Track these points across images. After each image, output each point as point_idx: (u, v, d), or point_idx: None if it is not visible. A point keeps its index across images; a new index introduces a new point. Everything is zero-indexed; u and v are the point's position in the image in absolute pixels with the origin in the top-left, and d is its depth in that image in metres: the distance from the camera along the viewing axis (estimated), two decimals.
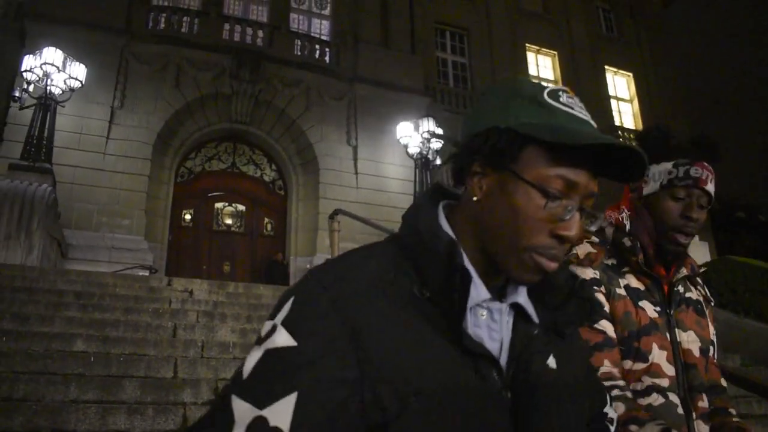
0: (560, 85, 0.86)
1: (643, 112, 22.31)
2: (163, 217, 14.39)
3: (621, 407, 1.32)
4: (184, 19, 15.09)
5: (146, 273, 11.87)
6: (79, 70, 11.70)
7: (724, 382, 1.62)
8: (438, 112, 16.01)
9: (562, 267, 0.89)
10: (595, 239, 1.61)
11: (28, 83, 11.47)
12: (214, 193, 15.49)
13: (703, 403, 1.48)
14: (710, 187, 1.52)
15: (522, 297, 0.89)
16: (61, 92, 11.47)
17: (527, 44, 21.03)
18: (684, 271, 1.59)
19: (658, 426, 1.23)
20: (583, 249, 1.56)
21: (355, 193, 15.04)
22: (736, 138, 25.31)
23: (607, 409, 1.04)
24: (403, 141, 14.49)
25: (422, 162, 14.22)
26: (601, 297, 1.49)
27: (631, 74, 22.90)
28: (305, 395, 0.70)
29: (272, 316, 0.79)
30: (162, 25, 14.81)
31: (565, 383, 0.88)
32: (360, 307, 0.76)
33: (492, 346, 0.83)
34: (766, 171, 26.63)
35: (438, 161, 14.15)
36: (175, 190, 14.90)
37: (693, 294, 1.63)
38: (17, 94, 12.30)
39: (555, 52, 21.42)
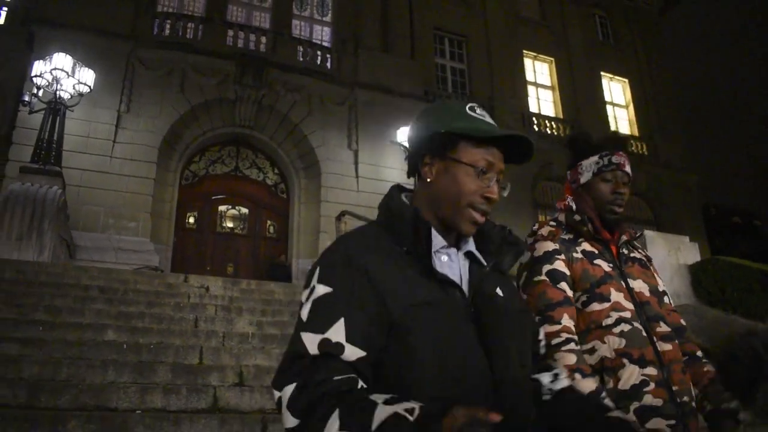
0: (476, 103, 1.33)
1: (638, 118, 22.67)
2: (168, 219, 14.67)
3: (573, 358, 1.71)
4: (189, 25, 15.41)
5: None
6: (87, 76, 11.97)
7: (683, 322, 2.04)
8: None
9: (496, 225, 1.36)
10: (552, 223, 2.04)
11: (38, 88, 11.71)
12: (218, 196, 15.77)
13: (661, 328, 1.86)
14: (628, 169, 1.99)
15: (472, 247, 1.32)
16: (70, 97, 11.74)
17: (524, 50, 21.39)
18: (624, 237, 2.02)
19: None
20: (545, 229, 2.00)
21: (356, 197, 15.35)
22: (732, 144, 25.72)
23: (540, 337, 1.46)
24: (403, 145, 14.81)
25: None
26: (562, 264, 1.89)
27: (626, 80, 23.27)
28: (348, 318, 1.10)
29: (307, 284, 1.20)
30: (167, 32, 15.13)
31: (509, 305, 1.30)
32: (365, 259, 1.16)
33: (454, 278, 1.23)
34: (762, 177, 27.00)
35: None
36: (179, 193, 15.18)
37: (637, 254, 2.07)
38: (27, 98, 12.52)
39: (552, 59, 21.78)
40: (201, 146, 15.74)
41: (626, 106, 23.12)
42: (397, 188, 1.37)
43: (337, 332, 1.09)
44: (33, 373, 3.92)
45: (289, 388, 1.06)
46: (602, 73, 22.74)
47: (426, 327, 1.12)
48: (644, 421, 1.70)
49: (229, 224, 15.85)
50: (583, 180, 2.00)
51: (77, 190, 12.84)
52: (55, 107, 11.46)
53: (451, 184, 1.25)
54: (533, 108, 20.74)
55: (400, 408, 0.94)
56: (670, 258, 9.67)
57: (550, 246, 1.91)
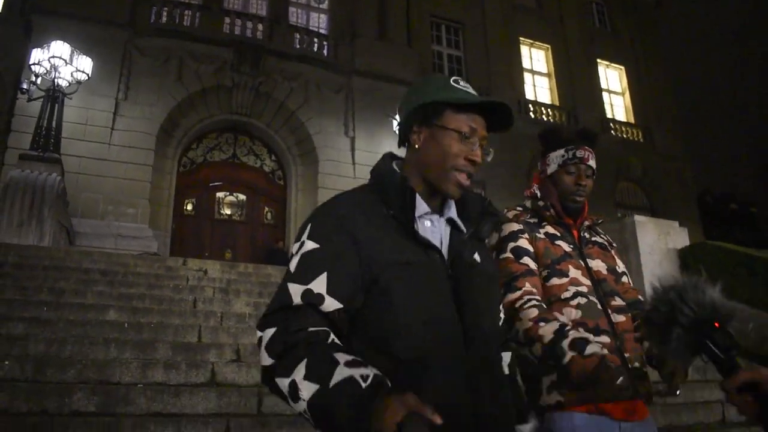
0: (461, 76, 1.49)
1: (634, 105, 22.79)
2: (167, 205, 14.83)
3: (535, 311, 1.88)
4: (186, 13, 15.48)
5: None
6: (85, 63, 12.06)
7: (642, 297, 2.17)
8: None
9: (478, 196, 1.50)
10: (519, 208, 2.21)
11: (36, 76, 11.79)
12: (216, 183, 15.94)
13: (616, 302, 2.03)
14: (592, 162, 2.14)
15: (453, 214, 1.43)
16: (68, 84, 11.83)
17: (521, 38, 21.47)
18: (587, 223, 2.19)
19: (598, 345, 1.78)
20: (511, 213, 2.19)
21: (352, 183, 15.40)
22: (729, 131, 25.81)
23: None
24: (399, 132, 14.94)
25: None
26: (525, 242, 2.06)
27: (623, 68, 23.36)
28: (331, 272, 1.23)
29: (298, 238, 1.32)
30: (164, 19, 15.21)
31: (484, 270, 1.43)
32: (354, 221, 1.28)
33: (435, 242, 1.34)
34: (759, 164, 27.12)
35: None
36: (177, 180, 15.34)
37: (598, 238, 2.24)
38: (25, 86, 12.61)
39: (548, 46, 21.87)
40: (198, 133, 15.87)
41: (622, 93, 23.23)
42: (390, 156, 1.49)
43: (319, 284, 1.21)
44: (39, 351, 4.10)
45: (269, 331, 1.18)
46: (599, 60, 22.83)
47: (405, 285, 1.24)
48: None
49: (227, 211, 16.02)
50: (549, 171, 2.16)
51: (76, 177, 12.98)
52: (54, 95, 11.55)
53: (437, 148, 1.36)
54: (529, 95, 20.85)
55: (356, 373, 1.05)
56: (659, 242, 9.86)
57: (515, 227, 2.09)
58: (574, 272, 2.02)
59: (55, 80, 11.54)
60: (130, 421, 3.21)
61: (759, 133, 26.38)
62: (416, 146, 1.40)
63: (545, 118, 20.13)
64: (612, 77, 23.34)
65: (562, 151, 2.13)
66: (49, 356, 4.03)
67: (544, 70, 21.80)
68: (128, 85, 14.38)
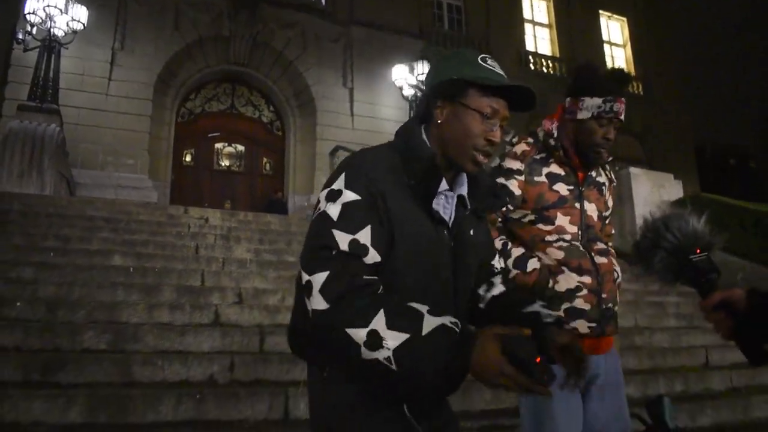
0: (488, 54, 1.47)
1: (635, 57, 22.56)
2: (166, 156, 14.88)
3: (499, 243, 2.09)
4: None
5: None
6: (80, 12, 11.90)
7: (612, 232, 2.39)
8: (433, 55, 16.31)
9: (489, 173, 1.60)
10: (530, 140, 2.22)
11: (32, 25, 11.64)
12: (214, 134, 15.95)
13: (598, 246, 2.15)
14: (623, 117, 2.10)
15: (464, 191, 1.50)
16: (64, 34, 11.71)
17: None
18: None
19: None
20: (519, 147, 2.18)
21: (351, 134, 15.52)
22: (730, 85, 25.60)
23: (494, 261, 1.71)
24: (398, 83, 14.89)
25: (416, 104, 14.61)
26: (515, 184, 2.12)
27: (625, 19, 23.01)
28: (373, 226, 1.28)
29: (330, 184, 1.35)
30: None
31: (477, 242, 1.54)
32: (383, 184, 1.32)
33: (444, 217, 1.42)
34: (758, 119, 26.97)
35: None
36: (176, 131, 15.34)
37: (601, 178, 2.27)
38: (21, 36, 12.48)
39: None
40: (196, 84, 15.78)
41: (623, 45, 22.96)
42: (418, 121, 1.49)
43: (365, 236, 1.25)
44: (49, 293, 4.27)
45: (322, 275, 1.22)
46: (600, 11, 22.47)
47: (415, 254, 1.32)
48: (570, 320, 2.02)
49: (226, 162, 16.08)
50: (580, 116, 2.09)
51: (75, 128, 12.97)
52: (50, 45, 11.45)
53: (459, 126, 1.38)
54: (530, 46, 20.61)
55: (446, 320, 1.13)
56: (653, 195, 10.00)
57: (515, 165, 2.14)
58: (561, 220, 2.10)
59: (51, 30, 11.42)
60: (140, 357, 3.39)
61: (759, 85, 26.18)
62: (438, 121, 1.42)
63: (545, 70, 19.97)
64: (614, 28, 23.03)
65: (599, 101, 2.06)
66: (58, 298, 4.20)
67: (545, 20, 21.49)
68: (124, 34, 14.23)
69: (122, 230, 6.06)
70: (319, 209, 1.33)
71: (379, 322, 1.14)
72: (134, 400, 2.95)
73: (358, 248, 1.24)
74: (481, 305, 1.60)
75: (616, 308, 2.14)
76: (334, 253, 1.23)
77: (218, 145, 16.02)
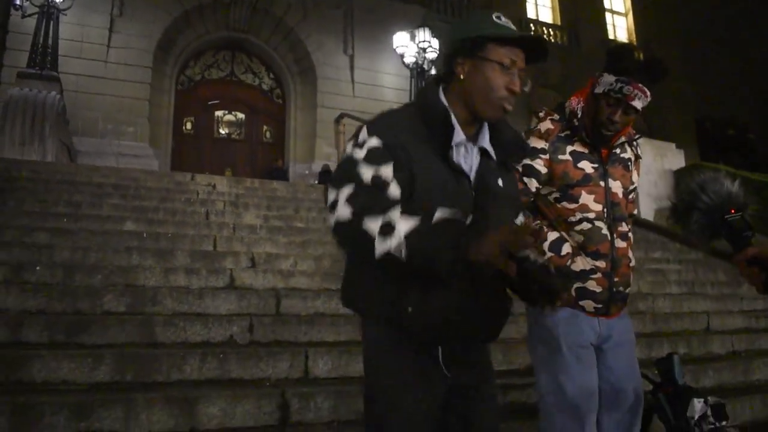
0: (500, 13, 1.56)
1: (637, 26, 22.37)
2: (166, 124, 14.84)
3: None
4: None
5: None
6: None
7: (635, 211, 2.42)
8: (434, 22, 16.15)
9: (511, 128, 1.65)
10: (556, 116, 2.23)
11: None
12: (214, 101, 15.86)
13: (622, 228, 2.18)
14: (636, 103, 2.07)
15: (486, 143, 1.59)
16: (62, 0, 11.56)
17: None
18: (623, 138, 2.24)
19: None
20: (544, 125, 2.20)
21: (352, 102, 15.44)
22: (730, 55, 25.38)
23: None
24: (399, 51, 14.77)
25: (418, 72, 14.55)
26: (540, 162, 2.14)
27: None
28: (396, 162, 1.41)
29: (356, 137, 1.48)
30: None
31: (506, 193, 1.61)
32: (404, 135, 1.45)
33: (465, 168, 1.52)
34: (758, 90, 26.79)
35: (433, 71, 14.47)
36: (176, 98, 15.27)
37: (627, 154, 2.29)
38: (18, 1, 12.30)
39: None
40: (196, 51, 15.65)
41: (625, 14, 22.76)
42: (435, 81, 1.61)
43: (387, 171, 1.39)
44: (65, 258, 4.33)
45: (347, 188, 1.38)
46: None
47: (434, 200, 1.39)
48: (579, 299, 2.09)
49: (226, 129, 16.04)
50: (596, 91, 2.11)
51: (74, 95, 12.89)
52: (48, 11, 11.31)
53: (481, 78, 1.49)
54: (531, 14, 20.43)
55: (456, 214, 1.32)
56: (655, 163, 10.07)
57: (540, 144, 2.16)
58: (585, 198, 2.13)
59: None
60: (160, 319, 3.46)
61: (760, 57, 26.02)
62: (461, 77, 1.52)
63: (546, 38, 19.77)
64: None
65: (612, 79, 2.05)
66: (75, 263, 4.26)
67: None
68: (123, 0, 14.05)
69: (131, 197, 6.11)
70: (346, 153, 1.49)
71: (394, 213, 1.31)
72: (159, 360, 3.03)
73: (380, 182, 1.39)
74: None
75: (628, 290, 2.19)
76: (359, 183, 1.39)
77: (218, 113, 15.97)
